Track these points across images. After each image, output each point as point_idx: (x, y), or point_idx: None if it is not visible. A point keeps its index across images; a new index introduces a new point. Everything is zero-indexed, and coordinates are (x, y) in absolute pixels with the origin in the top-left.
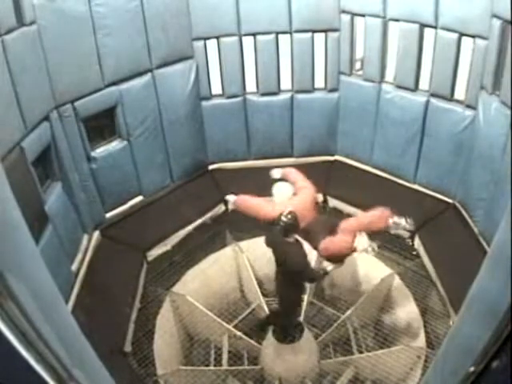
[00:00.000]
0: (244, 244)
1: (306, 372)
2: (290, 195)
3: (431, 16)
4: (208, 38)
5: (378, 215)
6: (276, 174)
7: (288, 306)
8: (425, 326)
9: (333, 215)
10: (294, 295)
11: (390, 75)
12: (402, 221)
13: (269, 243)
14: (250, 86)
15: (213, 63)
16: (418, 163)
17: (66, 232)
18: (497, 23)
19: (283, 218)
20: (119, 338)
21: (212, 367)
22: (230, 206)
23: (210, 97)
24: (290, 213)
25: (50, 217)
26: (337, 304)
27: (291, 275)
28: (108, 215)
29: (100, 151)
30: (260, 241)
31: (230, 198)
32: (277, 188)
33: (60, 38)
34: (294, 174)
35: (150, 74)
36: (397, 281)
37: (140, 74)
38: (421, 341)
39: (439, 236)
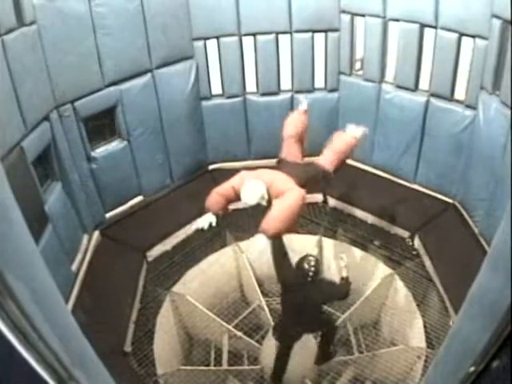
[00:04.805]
0: (244, 244)
1: (305, 372)
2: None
3: (431, 16)
4: (208, 38)
5: (342, 136)
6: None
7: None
8: (425, 326)
9: (334, 216)
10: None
11: (390, 75)
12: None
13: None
14: (250, 86)
15: (213, 63)
16: (417, 163)
17: (66, 232)
18: (497, 23)
19: (306, 265)
20: (119, 337)
21: (212, 367)
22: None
23: (210, 97)
24: (311, 259)
25: (50, 217)
26: (337, 304)
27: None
28: (108, 215)
29: (100, 151)
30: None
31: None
32: (245, 190)
33: (60, 38)
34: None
35: (149, 74)
36: (397, 281)
37: (140, 74)
38: (421, 341)
39: (439, 236)
